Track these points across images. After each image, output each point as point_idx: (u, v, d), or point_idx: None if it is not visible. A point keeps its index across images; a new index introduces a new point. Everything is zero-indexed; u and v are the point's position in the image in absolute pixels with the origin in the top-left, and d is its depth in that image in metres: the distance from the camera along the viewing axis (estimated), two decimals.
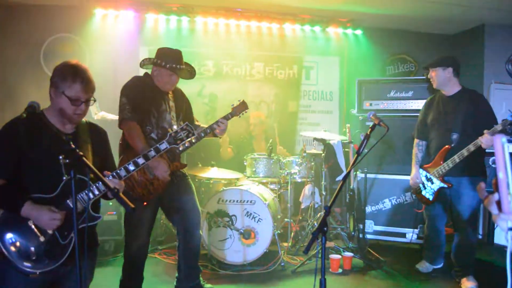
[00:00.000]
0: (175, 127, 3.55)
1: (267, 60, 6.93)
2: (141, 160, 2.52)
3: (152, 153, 2.57)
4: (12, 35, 5.82)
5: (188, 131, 2.70)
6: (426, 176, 4.25)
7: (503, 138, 1.10)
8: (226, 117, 3.78)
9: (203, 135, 3.66)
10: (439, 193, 4.18)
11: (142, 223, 3.59)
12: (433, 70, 4.21)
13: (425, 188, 4.28)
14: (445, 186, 4.10)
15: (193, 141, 3.62)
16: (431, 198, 4.24)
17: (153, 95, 3.62)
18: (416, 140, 4.48)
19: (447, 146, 4.07)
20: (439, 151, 4.14)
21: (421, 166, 4.33)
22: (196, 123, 3.98)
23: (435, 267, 4.54)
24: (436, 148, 4.21)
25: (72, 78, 2.24)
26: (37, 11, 5.88)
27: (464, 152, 3.87)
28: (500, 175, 1.10)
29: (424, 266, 4.53)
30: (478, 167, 4.12)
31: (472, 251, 4.19)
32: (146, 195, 3.48)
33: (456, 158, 3.93)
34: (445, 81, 4.18)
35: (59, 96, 2.25)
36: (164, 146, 2.62)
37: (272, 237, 4.57)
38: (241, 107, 3.89)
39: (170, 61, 3.60)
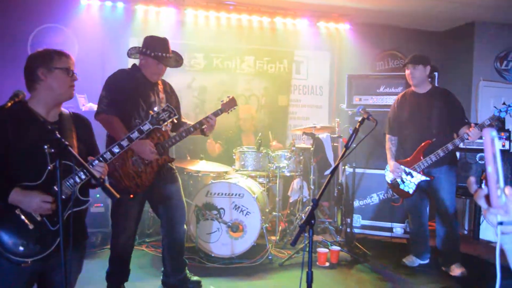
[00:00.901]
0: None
1: (258, 54, 6.91)
2: (125, 142, 2.48)
3: (136, 134, 2.53)
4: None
5: (169, 112, 2.68)
6: (404, 171, 4.34)
7: (493, 132, 1.10)
8: (216, 113, 3.76)
9: (192, 129, 3.63)
10: (419, 186, 4.31)
11: (129, 216, 3.57)
12: (414, 67, 4.31)
13: (403, 183, 4.38)
14: (428, 179, 4.24)
15: (183, 134, 3.60)
16: (411, 191, 4.35)
17: (140, 87, 3.56)
18: (388, 136, 4.60)
19: (428, 141, 4.21)
20: (417, 146, 4.27)
21: (396, 161, 4.44)
22: (183, 120, 3.95)
23: (422, 262, 4.58)
24: (414, 144, 4.32)
25: (57, 54, 2.32)
26: (25, 0, 5.79)
27: (449, 146, 4.08)
28: (489, 169, 1.10)
29: (410, 260, 4.58)
30: (453, 157, 4.38)
31: (457, 237, 4.37)
32: (134, 188, 3.44)
33: (441, 152, 4.11)
34: (424, 78, 4.36)
35: (51, 73, 2.26)
36: (147, 127, 2.58)
37: (260, 230, 4.58)
38: (231, 104, 3.88)
39: (156, 49, 3.54)
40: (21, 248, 2.10)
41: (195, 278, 3.95)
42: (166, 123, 2.68)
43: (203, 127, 3.71)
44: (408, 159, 4.35)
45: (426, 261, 4.59)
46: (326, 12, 6.76)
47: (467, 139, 3.99)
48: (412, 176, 4.30)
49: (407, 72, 4.39)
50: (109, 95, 3.43)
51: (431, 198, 4.49)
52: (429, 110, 4.30)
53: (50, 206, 2.12)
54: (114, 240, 3.63)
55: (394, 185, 4.48)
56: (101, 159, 2.31)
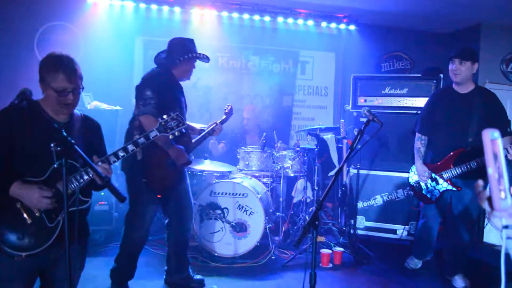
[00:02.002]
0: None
1: (263, 53, 6.91)
2: (131, 147, 2.44)
3: (142, 140, 2.52)
4: (5, 22, 5.75)
5: (178, 121, 2.66)
6: (430, 176, 4.11)
7: (495, 133, 1.07)
8: (223, 122, 4.11)
9: (207, 136, 3.95)
10: (443, 194, 4.08)
11: (148, 213, 3.66)
12: (462, 62, 3.85)
13: (427, 188, 4.17)
14: (454, 189, 3.97)
15: (201, 140, 3.89)
16: (434, 198, 4.13)
17: (174, 88, 3.70)
18: (418, 134, 4.25)
19: (462, 149, 3.90)
20: (449, 152, 3.97)
21: (424, 164, 4.17)
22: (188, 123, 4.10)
23: (424, 259, 4.53)
24: (445, 148, 4.01)
25: (55, 69, 2.20)
26: None
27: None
28: (489, 170, 1.08)
29: (413, 263, 4.55)
30: (483, 171, 4.01)
31: (465, 251, 4.17)
32: (162, 189, 3.58)
33: (474, 163, 3.78)
34: (469, 76, 3.93)
35: (46, 89, 2.23)
36: (154, 133, 2.57)
37: (263, 230, 4.58)
38: (230, 113, 4.24)
39: (195, 50, 3.75)
40: (16, 241, 2.12)
41: (198, 276, 3.96)
42: (173, 131, 2.64)
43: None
44: (437, 164, 4.06)
45: (429, 257, 4.52)
46: (332, 12, 6.74)
47: (505, 156, 3.42)
48: (437, 183, 4.06)
49: (452, 67, 3.91)
50: (156, 97, 3.47)
51: (451, 207, 4.18)
52: (468, 114, 3.87)
53: (50, 201, 2.14)
54: (129, 235, 3.66)
55: (416, 189, 4.29)
56: (105, 161, 2.30)
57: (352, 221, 5.24)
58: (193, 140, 3.85)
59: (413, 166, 4.31)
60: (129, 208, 3.72)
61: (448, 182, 3.99)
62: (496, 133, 1.07)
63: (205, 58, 3.82)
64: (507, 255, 1.19)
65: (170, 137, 2.63)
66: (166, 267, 3.92)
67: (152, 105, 3.43)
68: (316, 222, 2.24)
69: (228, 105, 4.27)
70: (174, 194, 3.75)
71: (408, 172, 4.45)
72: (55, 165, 2.10)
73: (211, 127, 4.02)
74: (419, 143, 4.22)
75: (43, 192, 2.12)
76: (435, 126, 4.12)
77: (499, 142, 1.07)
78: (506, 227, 1.14)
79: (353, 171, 5.40)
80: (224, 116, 4.18)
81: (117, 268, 3.67)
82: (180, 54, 3.66)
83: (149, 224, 3.69)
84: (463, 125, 3.92)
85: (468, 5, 5.99)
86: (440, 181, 4.04)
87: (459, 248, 4.15)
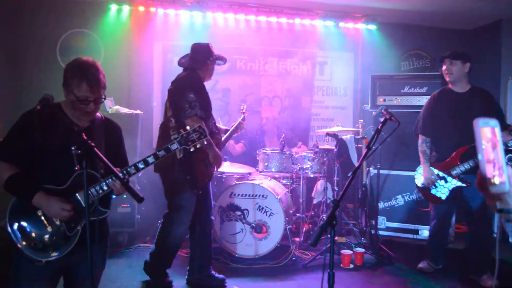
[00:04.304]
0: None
1: (281, 55, 6.92)
2: (151, 159, 2.45)
3: (162, 152, 2.49)
4: (29, 29, 5.90)
5: (200, 133, 2.58)
6: (438, 175, 4.14)
7: (491, 122, 1.14)
8: (243, 120, 4.62)
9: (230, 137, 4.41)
10: (452, 192, 4.09)
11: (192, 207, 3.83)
12: (452, 62, 4.09)
13: (436, 187, 4.17)
14: (464, 185, 4.02)
15: (226, 140, 4.46)
16: (443, 197, 4.13)
17: (206, 91, 3.84)
18: (421, 137, 4.31)
19: (467, 146, 3.97)
20: (454, 149, 4.05)
21: (430, 164, 4.21)
22: None
23: (437, 267, 4.44)
24: (450, 147, 4.09)
25: (79, 77, 2.21)
26: (53, 6, 5.95)
27: None
28: (479, 156, 1.13)
29: (428, 267, 4.43)
30: None
31: (489, 246, 4.12)
32: (203, 186, 3.83)
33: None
34: (462, 76, 4.11)
35: (69, 94, 2.26)
36: (175, 146, 2.52)
37: (283, 231, 4.59)
38: (247, 112, 4.78)
39: (214, 54, 3.89)
40: (35, 248, 2.18)
41: (220, 276, 4.00)
42: (195, 143, 2.57)
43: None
44: (443, 163, 4.13)
45: (440, 266, 4.44)
46: (350, 12, 6.71)
47: (510, 146, 3.79)
48: (446, 181, 4.09)
49: (444, 67, 4.15)
50: (198, 99, 3.61)
51: (460, 204, 4.25)
52: (469, 112, 3.96)
53: (68, 214, 2.20)
54: (175, 231, 3.74)
55: (425, 190, 4.26)
56: (125, 172, 2.33)
57: (373, 222, 5.21)
58: (222, 139, 4.06)
59: (419, 167, 4.31)
60: (170, 206, 3.80)
61: (457, 178, 4.04)
62: (492, 122, 1.13)
63: (225, 59, 4.00)
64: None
65: (198, 146, 2.59)
66: (188, 267, 3.96)
67: (198, 107, 3.56)
68: (334, 222, 2.24)
69: (244, 105, 4.80)
70: (202, 193, 3.87)
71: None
72: (76, 168, 2.15)
73: (236, 124, 4.48)
74: (424, 145, 4.28)
75: (63, 205, 2.19)
76: (438, 126, 4.21)
77: (497, 130, 1.13)
78: (501, 210, 1.17)
79: (373, 171, 5.37)
80: (243, 115, 4.57)
81: (158, 261, 3.78)
82: (207, 56, 3.81)
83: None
84: (465, 122, 3.89)
85: (489, 1, 5.89)
86: (449, 179, 4.08)
87: (484, 246, 4.09)
